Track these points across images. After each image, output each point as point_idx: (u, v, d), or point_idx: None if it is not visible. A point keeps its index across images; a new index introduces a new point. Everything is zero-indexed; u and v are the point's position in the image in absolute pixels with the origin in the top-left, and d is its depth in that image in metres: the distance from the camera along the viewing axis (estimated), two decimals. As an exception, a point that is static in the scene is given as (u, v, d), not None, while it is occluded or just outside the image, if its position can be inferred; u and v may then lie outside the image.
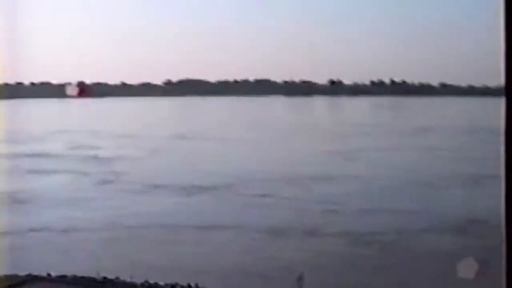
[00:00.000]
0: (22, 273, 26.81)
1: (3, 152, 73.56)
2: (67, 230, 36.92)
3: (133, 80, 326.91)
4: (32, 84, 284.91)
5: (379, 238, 35.53)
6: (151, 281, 26.64)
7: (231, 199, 46.96)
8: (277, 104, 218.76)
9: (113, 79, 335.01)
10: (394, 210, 41.95)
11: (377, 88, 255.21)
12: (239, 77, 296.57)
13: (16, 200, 45.91)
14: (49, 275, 26.84)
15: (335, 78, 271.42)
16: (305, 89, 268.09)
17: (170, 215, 40.75)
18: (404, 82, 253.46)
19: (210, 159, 67.13)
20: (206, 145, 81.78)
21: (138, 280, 26.70)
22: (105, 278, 26.70)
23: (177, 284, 26.51)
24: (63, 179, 55.54)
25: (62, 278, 26.57)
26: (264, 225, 37.75)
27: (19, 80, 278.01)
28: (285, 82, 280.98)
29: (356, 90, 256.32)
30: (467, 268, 21.19)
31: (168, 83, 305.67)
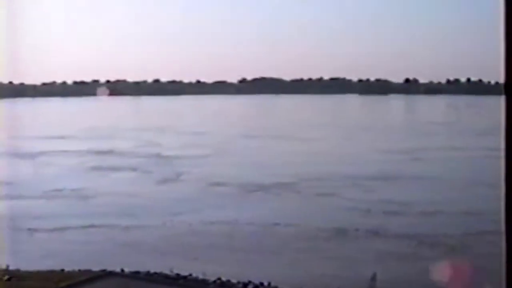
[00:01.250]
0: (96, 268, 26.95)
1: (71, 148, 75.27)
2: (127, 227, 37.01)
3: (208, 78, 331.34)
4: (108, 81, 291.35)
5: (444, 240, 34.40)
6: (223, 279, 26.38)
7: (294, 197, 46.36)
8: (351, 102, 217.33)
9: (188, 77, 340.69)
10: (460, 211, 40.61)
11: (453, 87, 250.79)
12: (314, 75, 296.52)
13: (80, 196, 46.48)
14: (122, 270, 26.90)
15: (411, 77, 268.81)
16: (380, 87, 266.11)
17: (230, 212, 40.41)
18: (480, 81, 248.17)
19: (276, 157, 66.69)
20: (275, 143, 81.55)
21: (211, 278, 26.46)
22: (178, 274, 26.57)
23: (249, 282, 26.15)
24: (128, 176, 56.00)
25: (135, 274, 26.52)
26: (327, 224, 37.01)
27: (95, 78, 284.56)
28: (360, 80, 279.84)
29: (432, 88, 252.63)
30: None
31: (243, 81, 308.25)
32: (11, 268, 26.66)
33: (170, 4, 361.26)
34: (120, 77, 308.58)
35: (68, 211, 41.25)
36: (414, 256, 31.68)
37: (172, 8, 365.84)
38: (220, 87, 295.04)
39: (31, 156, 69.69)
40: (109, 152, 71.41)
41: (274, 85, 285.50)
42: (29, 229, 35.97)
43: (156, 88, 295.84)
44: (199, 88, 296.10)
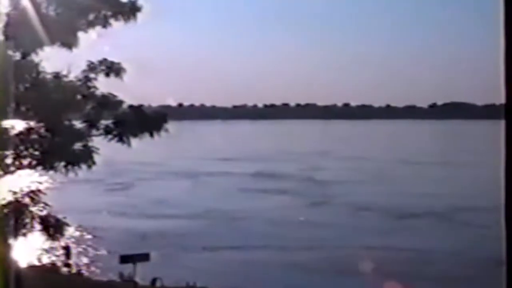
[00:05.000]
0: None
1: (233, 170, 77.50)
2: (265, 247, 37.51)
3: (399, 102, 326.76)
4: (298, 105, 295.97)
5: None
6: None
7: (446, 226, 44.58)
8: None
9: (379, 101, 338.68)
10: None
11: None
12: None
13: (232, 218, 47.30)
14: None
15: None
16: None
17: (375, 238, 39.68)
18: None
19: (431, 184, 64.60)
20: (432, 169, 79.05)
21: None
22: None
23: None
24: (278, 199, 56.57)
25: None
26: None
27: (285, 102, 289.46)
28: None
29: None
30: None
31: (433, 106, 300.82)
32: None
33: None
34: (310, 100, 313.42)
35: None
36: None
37: (362, 35, 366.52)
38: (410, 112, 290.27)
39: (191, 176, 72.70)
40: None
41: (466, 110, 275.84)
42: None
43: (346, 112, 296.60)
44: (388, 112, 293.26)
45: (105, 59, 18.10)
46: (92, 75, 18.02)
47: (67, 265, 27.58)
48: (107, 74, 18.06)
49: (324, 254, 35.62)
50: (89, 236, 38.43)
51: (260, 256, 35.48)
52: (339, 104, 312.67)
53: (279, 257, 35.12)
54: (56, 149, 16.90)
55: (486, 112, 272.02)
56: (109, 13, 17.86)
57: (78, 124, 17.75)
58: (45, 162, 17.03)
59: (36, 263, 25.91)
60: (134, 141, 18.15)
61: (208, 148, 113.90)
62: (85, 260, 33.06)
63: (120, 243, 35.69)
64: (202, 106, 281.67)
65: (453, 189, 60.57)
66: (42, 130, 17.18)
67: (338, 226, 43.69)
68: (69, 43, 17.55)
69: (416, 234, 41.60)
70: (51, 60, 17.66)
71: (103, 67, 18.01)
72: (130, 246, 33.15)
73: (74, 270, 28.26)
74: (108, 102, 18.02)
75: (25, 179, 17.05)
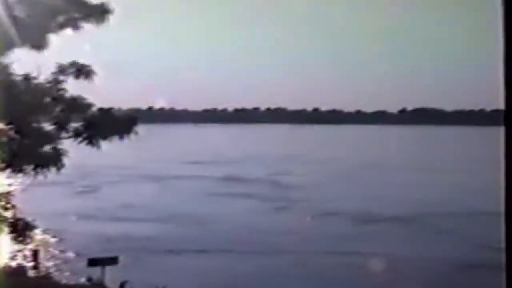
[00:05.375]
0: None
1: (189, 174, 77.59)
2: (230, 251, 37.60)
3: (368, 107, 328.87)
4: (268, 109, 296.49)
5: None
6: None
7: (411, 231, 44.93)
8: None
9: (348, 107, 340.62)
10: None
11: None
12: (475, 107, 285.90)
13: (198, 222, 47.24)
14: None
15: None
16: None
17: (336, 243, 39.86)
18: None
19: (398, 188, 65.15)
20: (394, 174, 79.86)
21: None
22: None
23: None
24: (244, 203, 56.63)
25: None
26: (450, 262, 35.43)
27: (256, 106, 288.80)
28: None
29: None
30: None
31: (403, 111, 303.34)
32: None
33: (335, 35, 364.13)
34: (280, 105, 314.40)
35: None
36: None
37: (332, 39, 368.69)
38: (380, 117, 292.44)
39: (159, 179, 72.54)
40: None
41: (435, 116, 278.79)
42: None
43: (316, 116, 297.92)
44: (358, 117, 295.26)
45: (75, 61, 18.07)
46: (62, 78, 17.98)
47: (35, 268, 27.40)
48: (77, 76, 18.04)
49: (288, 259, 35.82)
50: (55, 239, 38.20)
51: (224, 260, 35.59)
52: (309, 109, 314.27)
53: (244, 261, 35.25)
54: (25, 151, 16.85)
55: (454, 118, 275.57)
56: (79, 15, 17.86)
57: (48, 127, 17.70)
58: (14, 165, 16.97)
59: (4, 266, 25.72)
60: (104, 144, 18.14)
61: (177, 152, 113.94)
62: (52, 263, 32.87)
63: (86, 246, 35.73)
64: (173, 109, 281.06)
65: (419, 193, 61.08)
66: (11, 132, 17.11)
67: (302, 231, 43.75)
68: (40, 45, 17.51)
69: (381, 238, 41.80)
70: (21, 62, 17.61)
71: (73, 69, 17.98)
72: (96, 250, 33.25)
73: (42, 273, 28.09)
74: (78, 105, 18.00)
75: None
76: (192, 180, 72.05)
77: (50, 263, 32.46)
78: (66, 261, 33.84)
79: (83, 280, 25.96)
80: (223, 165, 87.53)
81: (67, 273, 30.60)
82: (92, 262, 23.97)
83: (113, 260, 23.80)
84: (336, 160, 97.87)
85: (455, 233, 43.41)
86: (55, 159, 16.96)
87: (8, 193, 17.12)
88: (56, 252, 35.78)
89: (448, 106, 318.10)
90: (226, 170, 79.81)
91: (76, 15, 17.85)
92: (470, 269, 33.80)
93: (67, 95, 18.09)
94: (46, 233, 36.76)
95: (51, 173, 17.37)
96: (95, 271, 24.03)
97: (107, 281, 23.65)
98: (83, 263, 26.47)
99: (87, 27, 18.08)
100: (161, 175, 75.35)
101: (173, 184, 69.00)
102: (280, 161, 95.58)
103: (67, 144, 17.83)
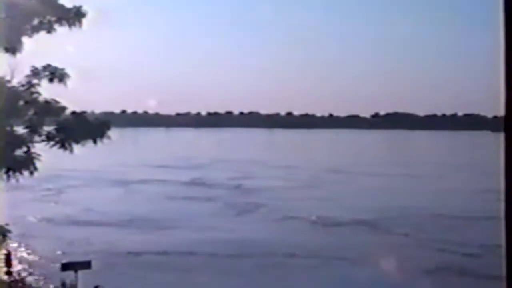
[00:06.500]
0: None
1: (154, 178, 77.53)
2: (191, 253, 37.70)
3: (341, 112, 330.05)
4: (241, 113, 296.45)
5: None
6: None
7: (372, 236, 45.22)
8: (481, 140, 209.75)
9: (321, 111, 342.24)
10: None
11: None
12: (448, 111, 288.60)
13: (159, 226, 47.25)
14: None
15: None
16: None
17: (299, 246, 40.04)
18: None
19: (360, 193, 65.61)
20: (362, 179, 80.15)
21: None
22: None
23: None
24: (206, 207, 56.68)
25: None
26: (404, 266, 35.64)
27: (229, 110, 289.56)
28: None
29: None
30: None
31: (376, 115, 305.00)
32: None
33: (305, 40, 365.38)
34: (254, 109, 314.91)
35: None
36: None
37: (306, 44, 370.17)
38: (353, 121, 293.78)
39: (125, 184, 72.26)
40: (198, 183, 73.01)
41: (408, 120, 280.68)
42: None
43: (289, 120, 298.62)
44: (331, 121, 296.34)
45: (49, 65, 17.98)
46: (35, 81, 17.88)
47: (8, 272, 27.14)
48: (51, 80, 17.94)
49: (250, 260, 36.23)
50: (16, 244, 37.95)
51: (185, 262, 35.84)
52: (282, 113, 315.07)
53: (204, 263, 35.46)
54: (-3, 155, 16.73)
55: (427, 122, 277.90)
56: (53, 18, 17.79)
57: (20, 130, 17.59)
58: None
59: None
60: (76, 148, 18.05)
61: (147, 156, 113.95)
62: (20, 267, 32.65)
63: (49, 250, 35.90)
64: (146, 113, 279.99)
65: (382, 198, 61.54)
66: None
67: (263, 234, 44.08)
68: (13, 48, 17.42)
69: (341, 241, 42.18)
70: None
71: (46, 73, 17.88)
72: (57, 253, 33.14)
73: (14, 278, 27.84)
74: (51, 108, 17.88)
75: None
76: (156, 185, 72.08)
77: (20, 267, 32.22)
78: (34, 265, 33.67)
79: (52, 286, 25.84)
80: (190, 170, 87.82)
81: (36, 277, 30.48)
82: (65, 267, 23.84)
83: (86, 265, 23.69)
84: (304, 165, 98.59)
85: (415, 237, 43.97)
86: (27, 163, 16.86)
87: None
88: (24, 256, 35.62)
89: (420, 111, 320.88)
90: (192, 175, 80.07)
91: (51, 18, 17.78)
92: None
93: (40, 98, 17.98)
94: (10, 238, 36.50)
95: (23, 177, 17.27)
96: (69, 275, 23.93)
97: (80, 285, 23.54)
98: (53, 267, 26.35)
99: (61, 30, 18.03)
100: (126, 179, 75.26)
101: (138, 188, 68.95)
102: (248, 165, 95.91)
103: (39, 148, 17.72)
